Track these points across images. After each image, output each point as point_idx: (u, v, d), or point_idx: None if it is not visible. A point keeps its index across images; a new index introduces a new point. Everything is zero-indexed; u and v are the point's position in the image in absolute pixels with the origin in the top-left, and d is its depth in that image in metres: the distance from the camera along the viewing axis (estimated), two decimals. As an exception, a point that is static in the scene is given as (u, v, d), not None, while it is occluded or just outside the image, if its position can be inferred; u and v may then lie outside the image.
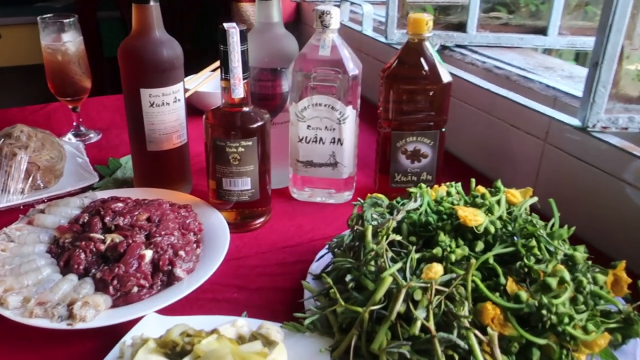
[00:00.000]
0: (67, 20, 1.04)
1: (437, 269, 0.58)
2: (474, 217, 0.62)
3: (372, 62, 1.22)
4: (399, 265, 0.58)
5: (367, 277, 0.59)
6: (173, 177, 0.90)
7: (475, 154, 1.04)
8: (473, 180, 0.71)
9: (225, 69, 0.76)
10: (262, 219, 0.86)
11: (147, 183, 0.89)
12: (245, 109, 0.79)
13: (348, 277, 0.60)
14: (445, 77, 0.83)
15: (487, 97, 0.98)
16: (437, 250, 0.59)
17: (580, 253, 0.61)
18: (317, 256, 0.73)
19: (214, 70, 1.29)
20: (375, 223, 0.65)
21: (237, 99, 0.77)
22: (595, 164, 0.80)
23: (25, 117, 1.24)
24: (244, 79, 0.76)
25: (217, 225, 0.80)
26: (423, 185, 0.72)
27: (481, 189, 0.69)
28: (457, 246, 0.61)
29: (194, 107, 1.24)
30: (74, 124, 1.14)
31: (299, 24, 1.72)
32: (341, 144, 0.87)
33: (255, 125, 0.78)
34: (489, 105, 0.99)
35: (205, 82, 1.23)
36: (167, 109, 0.84)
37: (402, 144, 0.87)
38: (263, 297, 0.71)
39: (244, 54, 0.75)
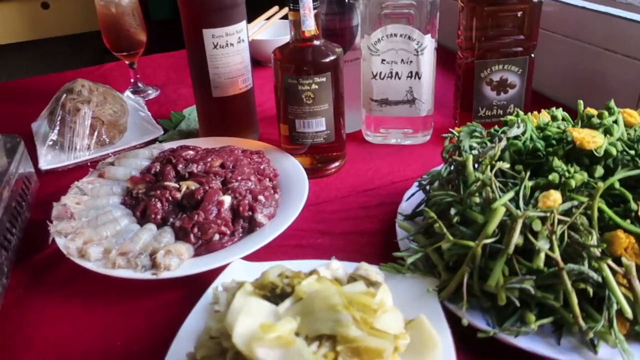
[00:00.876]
0: (118, -30, 0.99)
1: (555, 197, 0.51)
2: (592, 139, 0.55)
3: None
4: (511, 194, 0.52)
5: (473, 209, 0.53)
6: (240, 125, 0.85)
7: (562, 87, 0.95)
8: (580, 102, 0.63)
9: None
10: (337, 163, 0.80)
11: (213, 132, 0.85)
12: (317, 42, 0.73)
13: (452, 211, 0.54)
14: (536, -5, 0.75)
15: (575, 18, 0.88)
16: (553, 177, 0.53)
17: None
18: (406, 195, 0.67)
19: (268, 18, 1.23)
20: (475, 152, 0.58)
21: (307, 32, 0.71)
22: None
23: (82, 77, 1.22)
24: (314, 9, 0.70)
25: (291, 170, 0.75)
26: (521, 112, 0.65)
27: (591, 110, 0.62)
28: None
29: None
30: (132, 80, 1.10)
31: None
32: (419, 78, 0.80)
33: (328, 60, 0.72)
34: (577, 28, 0.89)
35: (262, 30, 1.17)
36: (231, 51, 0.79)
37: (487, 74, 0.79)
38: (349, 241, 0.66)
39: (314, -20, 0.69)
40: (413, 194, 0.66)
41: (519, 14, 0.75)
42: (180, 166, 0.70)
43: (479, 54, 0.78)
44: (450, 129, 0.64)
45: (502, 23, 0.76)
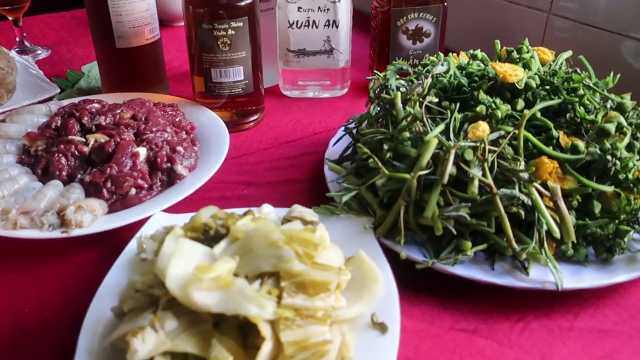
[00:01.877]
0: None
1: (484, 127, 0.51)
2: (513, 72, 0.56)
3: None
4: (442, 126, 0.52)
5: (405, 145, 0.53)
6: (148, 79, 0.79)
7: (471, 40, 0.98)
8: (497, 42, 0.65)
9: (204, -64, 0.65)
10: (256, 117, 0.77)
11: (119, 88, 0.78)
12: (231, -15, 0.69)
13: (385, 147, 0.53)
14: (448, -59, 0.75)
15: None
16: (480, 109, 0.53)
17: (629, 100, 0.56)
18: (332, 141, 0.66)
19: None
20: (402, 90, 0.58)
21: (221, -28, 0.67)
22: (615, 29, 0.75)
23: (-45, 39, 1.08)
24: (227, -53, 0.66)
25: (209, 123, 0.71)
26: (441, 54, 0.66)
27: (506, 48, 0.63)
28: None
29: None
30: (17, 39, 0.99)
31: None
32: (336, 27, 0.78)
33: (244, 3, 0.68)
34: (483, -18, 0.92)
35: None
36: (135, -4, 0.73)
37: (403, 22, 0.79)
38: (277, 190, 0.64)
39: None
40: (339, 139, 0.64)
41: (432, -40, 0.76)
42: (85, 119, 0.64)
43: (395, 3, 0.78)
44: (375, 70, 0.63)
45: (417, -30, 0.76)
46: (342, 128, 0.65)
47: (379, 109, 0.59)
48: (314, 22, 0.78)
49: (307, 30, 0.78)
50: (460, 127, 0.53)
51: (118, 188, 0.57)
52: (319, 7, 0.77)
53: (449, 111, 0.54)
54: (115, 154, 0.59)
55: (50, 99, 0.80)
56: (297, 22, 0.78)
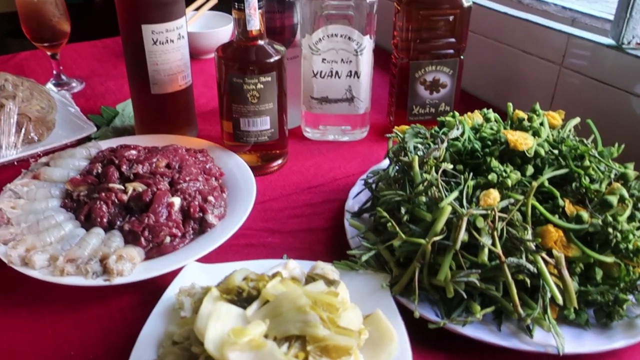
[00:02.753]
0: (39, -46, 0.93)
1: (495, 195, 0.56)
2: (524, 141, 0.60)
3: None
4: (456, 193, 0.56)
5: (421, 208, 0.57)
6: (179, 122, 0.84)
7: (486, 85, 1.02)
8: (510, 105, 0.69)
9: (238, -2, 0.70)
10: (280, 161, 0.82)
11: (151, 129, 0.84)
12: (261, 42, 0.73)
13: (402, 210, 0.57)
14: (467, 1, 0.80)
15: (494, 20, 0.95)
16: (492, 177, 0.57)
17: (632, 170, 0.60)
18: (352, 193, 0.70)
19: (197, 9, 1.21)
20: (420, 153, 0.62)
21: (254, 31, 0.72)
22: (622, 86, 0.79)
23: (-6, 68, 1.14)
24: (259, 8, 0.70)
25: (236, 169, 0.76)
26: (457, 114, 0.70)
27: (520, 113, 0.67)
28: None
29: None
30: (54, 72, 1.05)
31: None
32: (358, 77, 0.83)
33: (273, 60, 0.73)
34: (497, 30, 0.96)
35: (190, 22, 1.15)
36: (171, 47, 0.78)
37: (421, 74, 0.83)
38: (299, 239, 0.68)
39: (259, -20, 0.69)
40: (359, 193, 0.69)
41: (451, 18, 0.80)
42: (124, 167, 0.69)
43: (413, 55, 0.82)
44: (395, 129, 0.68)
45: (435, 26, 0.80)
46: (362, 182, 0.69)
47: (397, 168, 0.64)
48: (336, 72, 0.82)
49: (330, 80, 0.83)
50: (472, 192, 0.58)
51: (154, 237, 0.62)
52: (342, 59, 0.81)
53: (462, 178, 0.58)
54: (152, 203, 0.64)
55: (88, 137, 0.85)
56: (321, 72, 0.82)
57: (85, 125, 0.88)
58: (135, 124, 0.86)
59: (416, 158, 0.60)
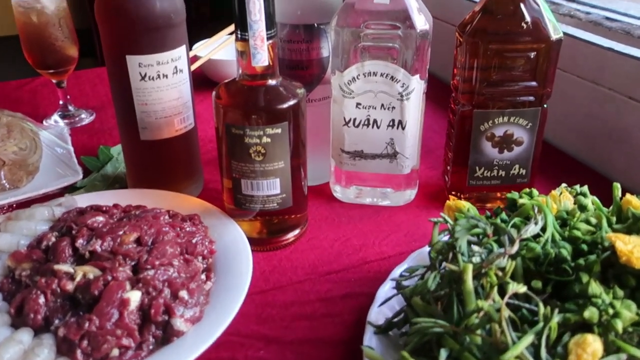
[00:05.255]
0: (42, -30, 0.81)
1: (594, 348, 0.35)
2: (643, 254, 0.38)
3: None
4: (530, 337, 0.35)
5: (472, 353, 0.37)
6: (176, 174, 0.68)
7: (575, 137, 0.79)
8: (617, 186, 0.47)
9: (241, 23, 0.53)
10: (296, 232, 0.63)
11: (144, 182, 0.68)
12: (272, 82, 0.56)
13: (442, 354, 0.37)
14: (555, 32, 0.59)
15: (591, 56, 0.72)
16: (590, 314, 0.36)
17: None
18: (378, 297, 0.50)
19: (232, 33, 1.05)
20: (476, 259, 0.41)
21: (259, 67, 0.54)
22: None
23: (6, 95, 1.03)
24: (268, 38, 0.53)
25: (234, 243, 0.58)
26: (535, 192, 0.49)
27: (633, 200, 0.45)
28: (615, 297, 0.38)
29: (209, 80, 1.02)
30: (60, 102, 0.92)
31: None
32: (403, 128, 0.63)
33: (285, 105, 0.55)
34: (597, 71, 0.73)
35: (222, 48, 1.00)
36: (164, 83, 0.61)
37: (488, 127, 0.63)
38: (303, 356, 0.49)
39: (269, 1, 0.52)
40: (387, 300, 0.49)
41: (532, 54, 0.59)
42: (80, 241, 0.52)
43: (478, 101, 0.62)
44: (442, 214, 0.48)
45: (510, 65, 0.60)
46: (393, 283, 0.49)
47: (440, 275, 0.43)
48: (374, 121, 0.63)
49: (366, 130, 0.64)
50: (557, 336, 0.37)
51: (95, 349, 0.45)
52: (382, 105, 0.62)
53: (541, 309, 0.37)
54: (101, 300, 0.47)
55: (73, 185, 0.71)
56: (355, 120, 0.64)
57: (71, 172, 0.73)
58: (126, 173, 0.70)
59: (470, 268, 0.40)
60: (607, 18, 0.73)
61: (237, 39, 0.54)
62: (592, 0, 0.80)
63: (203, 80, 1.01)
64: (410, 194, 0.69)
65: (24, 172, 0.71)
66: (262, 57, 0.53)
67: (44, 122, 0.91)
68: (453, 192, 0.69)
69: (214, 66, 0.98)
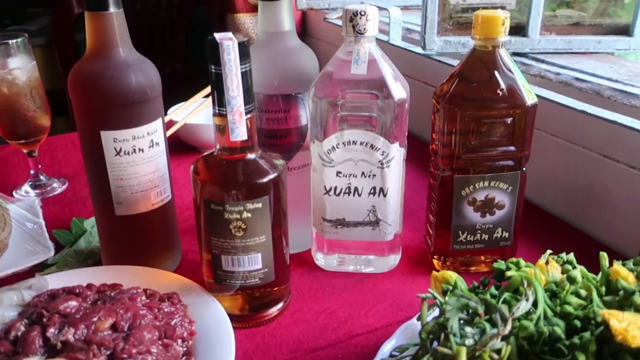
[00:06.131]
0: (14, 41, 0.80)
1: None
2: (638, 332, 0.38)
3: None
4: None
5: None
6: (153, 249, 0.66)
7: (551, 194, 0.80)
8: (604, 255, 0.47)
9: (218, 99, 0.52)
10: (279, 305, 0.61)
11: (118, 257, 0.65)
12: (250, 155, 0.55)
13: None
14: (530, 98, 0.59)
15: (566, 120, 0.74)
16: (590, 400, 0.35)
17: None
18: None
19: (207, 95, 1.05)
20: (469, 341, 0.40)
21: (238, 141, 0.53)
22: None
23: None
24: (246, 113, 0.52)
25: (215, 322, 0.55)
26: (522, 262, 0.48)
27: (621, 271, 0.45)
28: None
29: (184, 143, 1.01)
30: (32, 172, 0.89)
31: (305, 37, 1.49)
32: (384, 195, 0.63)
33: (266, 179, 0.54)
34: (569, 129, 0.74)
35: (197, 112, 0.99)
36: (140, 158, 0.60)
37: (469, 192, 0.63)
38: None
39: (246, 76, 0.52)
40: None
41: (509, 120, 0.60)
42: (51, 330, 0.49)
43: (458, 165, 0.62)
44: (431, 289, 0.47)
45: (488, 131, 0.60)
46: (383, 363, 0.48)
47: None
48: (355, 189, 0.63)
49: (348, 198, 0.63)
50: None
51: None
52: (363, 173, 0.62)
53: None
54: (73, 397, 0.44)
55: (44, 262, 0.68)
56: (335, 188, 0.63)
57: (42, 248, 0.70)
58: (101, 248, 0.68)
59: (463, 351, 0.39)
60: (577, 79, 0.75)
61: (215, 114, 0.53)
62: (560, 60, 0.82)
63: (179, 144, 1.00)
64: (394, 260, 0.68)
65: (-8, 250, 0.68)
66: (240, 132, 0.53)
67: (14, 193, 0.88)
68: (436, 256, 0.68)
69: (191, 130, 0.97)
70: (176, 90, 1.33)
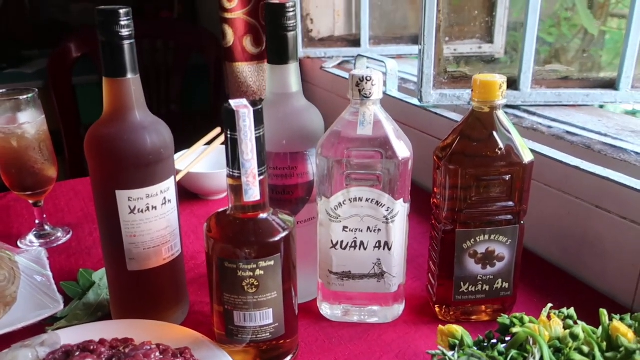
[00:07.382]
0: (24, 96, 0.82)
1: None
2: (641, 391, 0.40)
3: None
4: None
5: None
6: (163, 302, 0.67)
7: (547, 241, 0.82)
8: (604, 313, 0.49)
9: (233, 162, 0.55)
10: (288, 358, 0.62)
11: (129, 311, 0.66)
12: (263, 215, 0.57)
13: None
14: (526, 156, 0.63)
15: (558, 172, 0.77)
16: None
17: None
18: None
19: (208, 143, 1.08)
20: (481, 400, 0.42)
21: (251, 202, 0.56)
22: None
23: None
24: (259, 174, 0.55)
25: (227, 378, 0.57)
26: (526, 318, 0.51)
27: (621, 328, 0.47)
28: None
29: (186, 191, 1.03)
30: (37, 222, 0.91)
31: (302, 83, 1.52)
32: (389, 249, 0.65)
33: (278, 238, 0.56)
34: (563, 181, 0.78)
35: (200, 160, 1.02)
36: (153, 215, 0.62)
37: (471, 245, 0.65)
38: None
39: (260, 141, 0.54)
40: None
41: (507, 177, 0.63)
42: (69, 391, 0.51)
43: (459, 219, 0.65)
44: (440, 347, 0.49)
45: (487, 188, 0.63)
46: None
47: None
48: (361, 243, 0.65)
49: (354, 252, 0.65)
50: None
51: None
52: (369, 227, 0.64)
53: None
54: None
55: (53, 316, 0.69)
56: (342, 242, 0.65)
57: (51, 301, 0.71)
58: (110, 303, 0.69)
59: (476, 411, 0.40)
60: (568, 132, 0.79)
61: (229, 175, 0.56)
62: (551, 113, 0.86)
63: (181, 191, 1.01)
64: (398, 309, 0.70)
65: (2, 303, 0.69)
66: (254, 193, 0.55)
67: (19, 243, 0.89)
68: (438, 305, 0.70)
69: (194, 179, 0.99)
70: (172, 130, 1.35)
